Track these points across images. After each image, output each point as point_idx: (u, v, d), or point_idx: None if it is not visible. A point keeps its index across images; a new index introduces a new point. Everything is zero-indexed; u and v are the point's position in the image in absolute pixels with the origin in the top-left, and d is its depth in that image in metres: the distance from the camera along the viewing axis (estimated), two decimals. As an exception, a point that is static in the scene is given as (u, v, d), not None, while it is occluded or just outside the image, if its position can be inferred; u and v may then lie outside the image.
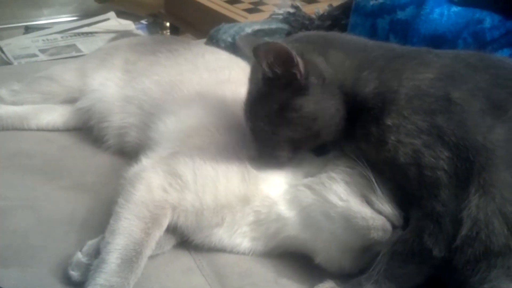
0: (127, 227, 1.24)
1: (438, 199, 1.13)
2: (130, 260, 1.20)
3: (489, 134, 1.12)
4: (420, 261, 1.16)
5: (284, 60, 1.19)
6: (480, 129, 1.13)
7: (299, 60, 1.19)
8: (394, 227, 1.19)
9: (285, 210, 1.29)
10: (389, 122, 1.17)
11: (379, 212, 1.20)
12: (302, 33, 1.39)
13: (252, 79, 1.31)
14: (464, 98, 1.15)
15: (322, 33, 1.40)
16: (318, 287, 1.21)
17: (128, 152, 1.64)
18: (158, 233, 1.27)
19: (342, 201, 1.22)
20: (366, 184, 1.22)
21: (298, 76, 1.20)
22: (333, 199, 1.22)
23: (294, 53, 1.18)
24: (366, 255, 1.21)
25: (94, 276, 1.17)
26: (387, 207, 1.20)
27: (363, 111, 1.21)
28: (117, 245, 1.21)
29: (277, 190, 1.31)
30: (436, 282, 1.20)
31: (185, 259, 1.35)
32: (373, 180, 1.21)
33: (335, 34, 1.38)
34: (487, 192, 1.10)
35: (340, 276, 1.23)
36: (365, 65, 1.24)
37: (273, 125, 1.25)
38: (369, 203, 1.21)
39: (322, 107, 1.22)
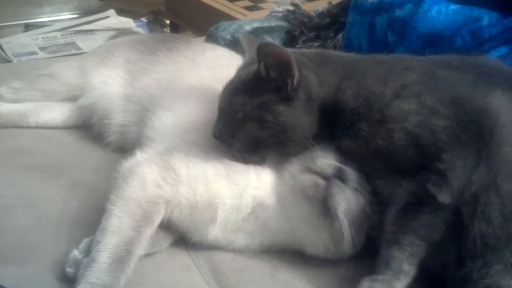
0: (118, 226, 1.24)
1: (441, 161, 1.15)
2: (121, 260, 1.20)
3: (487, 97, 1.15)
4: (430, 211, 1.17)
5: (283, 66, 1.22)
6: (476, 96, 1.16)
7: (296, 72, 1.22)
8: (327, 178, 1.22)
9: (268, 201, 1.31)
10: (377, 116, 1.20)
11: (314, 172, 1.24)
12: (304, 50, 1.44)
13: (243, 69, 1.34)
14: (450, 75, 1.21)
15: (321, 52, 1.43)
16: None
17: (128, 149, 1.63)
18: (150, 230, 1.28)
19: (292, 177, 1.28)
20: (311, 155, 1.27)
21: (289, 86, 1.23)
22: (287, 179, 1.29)
23: (295, 64, 1.21)
24: (336, 222, 1.22)
25: (85, 274, 1.18)
26: (319, 164, 1.24)
27: (345, 114, 1.24)
28: (108, 244, 1.21)
29: (264, 183, 1.33)
30: (436, 281, 1.21)
31: (183, 257, 1.36)
32: (316, 148, 1.26)
33: (330, 53, 1.43)
34: (491, 165, 1.13)
35: (335, 261, 1.27)
36: (346, 76, 1.27)
37: (244, 117, 1.27)
38: (309, 169, 1.25)
39: (298, 121, 1.26)
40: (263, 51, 1.23)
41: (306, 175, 1.25)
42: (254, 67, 1.28)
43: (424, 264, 1.19)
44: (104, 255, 1.20)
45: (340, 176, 1.22)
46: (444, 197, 1.14)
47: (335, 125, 1.26)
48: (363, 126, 1.22)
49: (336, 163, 1.24)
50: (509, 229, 1.12)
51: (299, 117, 1.25)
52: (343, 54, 1.45)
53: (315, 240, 1.29)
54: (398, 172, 1.21)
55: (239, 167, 1.32)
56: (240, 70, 1.37)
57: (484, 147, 1.14)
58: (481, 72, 1.24)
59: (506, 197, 1.13)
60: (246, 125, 1.28)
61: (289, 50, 1.27)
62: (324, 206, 1.22)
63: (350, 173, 1.23)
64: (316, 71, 1.28)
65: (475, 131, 1.14)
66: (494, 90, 1.17)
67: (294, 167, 1.30)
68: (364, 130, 1.21)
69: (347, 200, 1.21)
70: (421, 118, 1.17)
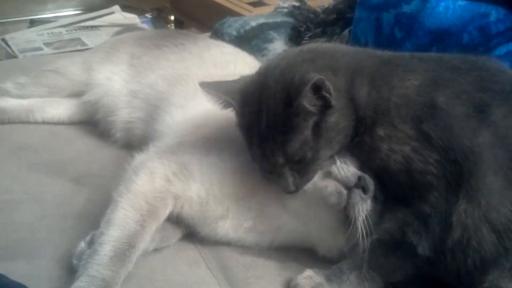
0: (122, 218, 1.24)
1: (427, 201, 1.15)
2: (123, 254, 1.20)
3: (475, 138, 1.14)
4: (403, 256, 1.18)
5: (319, 90, 1.16)
6: (466, 133, 1.14)
7: (327, 84, 1.15)
8: (348, 187, 1.21)
9: (282, 204, 1.30)
10: (381, 132, 1.19)
11: (336, 179, 1.22)
12: (291, 52, 1.36)
13: (258, 120, 1.21)
14: (448, 102, 1.17)
15: (310, 48, 1.37)
16: (297, 279, 1.22)
17: (135, 146, 1.64)
18: (155, 225, 1.27)
19: (311, 183, 1.25)
20: (331, 161, 1.25)
21: (330, 99, 1.17)
22: (307, 185, 1.25)
23: (327, 82, 1.15)
24: (351, 229, 1.21)
25: (86, 266, 1.17)
26: (341, 173, 1.22)
27: (356, 121, 1.22)
28: (111, 237, 1.21)
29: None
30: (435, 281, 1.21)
31: (191, 252, 1.36)
32: (335, 155, 1.24)
33: (321, 47, 1.37)
34: (473, 198, 1.12)
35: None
36: (357, 70, 1.24)
37: (311, 150, 1.20)
38: (329, 175, 1.24)
39: (348, 114, 1.21)
40: (303, 96, 1.14)
41: (328, 182, 1.23)
42: (275, 110, 1.18)
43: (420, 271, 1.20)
44: (106, 248, 1.19)
45: (361, 185, 1.21)
46: (423, 249, 1.15)
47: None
48: (367, 140, 1.21)
49: (358, 172, 1.22)
50: (504, 243, 1.12)
51: (344, 110, 1.20)
52: (342, 46, 1.41)
53: (330, 243, 1.28)
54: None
55: (251, 166, 1.30)
56: (254, 121, 1.22)
57: (462, 188, 1.13)
58: (480, 76, 1.23)
59: (495, 216, 1.12)
60: (317, 158, 1.21)
61: (284, 56, 1.25)
62: (342, 213, 1.22)
63: (370, 182, 1.22)
64: (329, 68, 1.22)
65: (458, 172, 1.13)
66: (481, 130, 1.14)
67: None
68: (367, 144, 1.21)
69: (366, 210, 1.21)
70: (418, 145, 1.16)
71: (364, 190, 1.21)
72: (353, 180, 1.21)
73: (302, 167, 1.21)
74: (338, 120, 1.19)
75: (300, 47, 1.39)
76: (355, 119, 1.21)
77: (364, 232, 1.18)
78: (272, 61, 1.33)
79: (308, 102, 1.15)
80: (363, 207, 1.20)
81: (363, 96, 1.21)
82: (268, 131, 1.19)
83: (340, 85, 1.20)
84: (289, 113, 1.17)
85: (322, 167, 1.24)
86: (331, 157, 1.24)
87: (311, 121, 1.17)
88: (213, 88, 1.29)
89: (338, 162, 1.23)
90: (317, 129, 1.18)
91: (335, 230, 1.25)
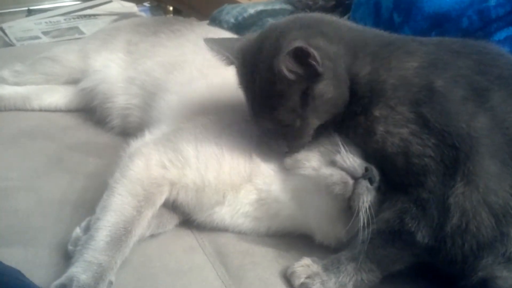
0: (119, 204, 1.24)
1: (425, 186, 1.14)
2: (119, 239, 1.20)
3: (472, 122, 1.13)
4: (402, 246, 1.17)
5: (302, 58, 1.15)
6: (463, 117, 1.13)
7: (314, 51, 1.14)
8: (355, 178, 1.20)
9: (280, 193, 1.30)
10: (377, 113, 1.18)
11: (341, 168, 1.21)
12: (294, 17, 1.35)
13: (253, 82, 1.23)
14: (447, 86, 1.16)
15: (313, 16, 1.36)
16: (294, 266, 1.22)
17: (131, 133, 1.63)
18: (151, 211, 1.27)
19: (314, 170, 1.24)
20: (335, 149, 1.24)
21: (316, 66, 1.16)
22: (308, 172, 1.25)
23: (309, 47, 1.13)
24: (353, 220, 1.20)
25: (82, 252, 1.17)
26: (348, 162, 1.21)
27: (352, 101, 1.21)
28: (107, 222, 1.21)
29: (275, 170, 1.31)
30: (429, 269, 1.21)
31: (188, 238, 1.35)
32: (339, 142, 1.23)
33: (325, 17, 1.35)
34: (471, 181, 1.11)
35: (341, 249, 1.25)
36: (361, 48, 1.23)
37: (300, 117, 1.21)
38: (334, 163, 1.23)
39: (338, 86, 1.20)
40: (280, 64, 1.15)
41: (333, 171, 1.22)
42: (268, 74, 1.19)
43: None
44: (102, 233, 1.19)
45: (368, 176, 1.20)
46: (422, 236, 1.14)
47: (347, 106, 1.22)
48: (362, 121, 1.20)
49: (364, 162, 1.21)
50: (502, 227, 1.11)
51: (336, 80, 1.19)
52: (339, 19, 1.39)
53: (329, 231, 1.27)
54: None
55: (252, 152, 1.31)
56: (246, 86, 1.27)
57: (459, 171, 1.12)
58: (479, 60, 1.22)
59: (494, 199, 1.11)
60: (308, 123, 1.22)
61: (288, 28, 1.23)
62: (346, 202, 1.21)
63: (377, 173, 1.21)
64: (324, 35, 1.21)
65: (455, 155, 1.12)
66: (479, 114, 1.14)
67: (315, 160, 1.26)
68: (362, 126, 1.20)
69: (370, 201, 1.20)
70: (417, 128, 1.15)
71: (371, 181, 1.20)
72: (360, 170, 1.20)
73: (293, 132, 1.22)
74: (326, 89, 1.18)
75: (310, 14, 1.39)
76: (350, 95, 1.20)
77: (365, 222, 1.17)
78: (276, 23, 1.33)
79: (287, 69, 1.15)
80: (367, 198, 1.19)
81: (364, 73, 1.20)
82: (259, 95, 1.22)
83: (336, 55, 1.20)
84: (274, 80, 1.18)
85: (312, 134, 1.25)
86: (332, 139, 1.25)
87: (296, 88, 1.17)
88: (216, 44, 1.31)
89: (342, 151, 1.22)
90: (305, 96, 1.18)
91: (334, 218, 1.25)
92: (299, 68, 1.16)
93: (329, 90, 1.18)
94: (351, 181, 1.20)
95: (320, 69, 1.16)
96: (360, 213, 1.18)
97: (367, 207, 1.18)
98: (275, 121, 1.22)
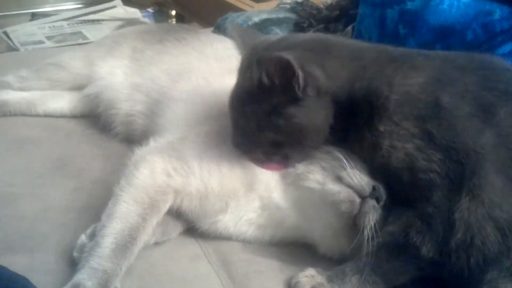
0: (124, 212, 1.24)
1: (430, 201, 1.14)
2: (124, 246, 1.20)
3: (478, 138, 1.14)
4: (407, 259, 1.17)
5: (285, 72, 1.18)
6: (469, 133, 1.14)
7: (300, 73, 1.17)
8: (362, 196, 1.20)
9: (281, 201, 1.30)
10: (381, 128, 1.19)
11: (348, 186, 1.21)
12: (300, 37, 1.38)
13: (244, 74, 1.28)
14: (453, 102, 1.17)
15: (321, 38, 1.38)
16: (298, 276, 1.22)
17: (135, 140, 1.64)
18: (156, 219, 1.27)
19: (319, 184, 1.25)
20: (340, 165, 1.24)
21: (296, 88, 1.19)
22: (313, 185, 1.26)
23: (297, 67, 1.16)
24: (358, 235, 1.21)
25: (88, 259, 1.17)
26: (355, 180, 1.21)
27: (356, 116, 1.22)
28: (113, 229, 1.21)
29: (276, 179, 1.32)
30: (433, 282, 1.21)
31: (192, 247, 1.36)
32: (343, 158, 1.24)
33: (333, 40, 1.37)
34: (476, 196, 1.11)
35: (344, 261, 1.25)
36: (360, 73, 1.24)
37: (258, 125, 1.24)
38: (340, 180, 1.23)
39: (312, 119, 1.23)
40: (261, 63, 1.19)
41: (341, 188, 1.22)
42: (254, 73, 1.23)
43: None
44: (108, 240, 1.20)
45: (375, 196, 1.20)
46: (427, 250, 1.14)
47: (350, 122, 1.24)
48: (367, 135, 1.21)
49: (372, 181, 1.21)
50: (508, 242, 1.11)
51: (312, 115, 1.22)
52: (347, 41, 1.41)
53: (332, 244, 1.28)
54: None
55: (251, 163, 1.31)
56: (242, 76, 1.31)
57: (464, 186, 1.12)
58: (485, 75, 1.23)
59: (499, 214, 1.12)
60: (262, 132, 1.25)
61: (287, 48, 1.25)
62: (351, 220, 1.21)
63: (384, 192, 1.21)
64: (321, 63, 1.24)
65: (461, 171, 1.13)
66: (485, 130, 1.14)
67: (319, 174, 1.27)
68: (367, 140, 1.21)
69: (375, 219, 1.20)
70: (422, 143, 1.16)
71: (378, 200, 1.20)
72: (367, 189, 1.20)
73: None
74: (298, 114, 1.21)
75: (309, 34, 1.40)
76: (351, 111, 1.21)
77: (369, 237, 1.17)
78: (293, 36, 1.38)
79: (266, 71, 1.19)
80: (373, 216, 1.20)
81: (360, 93, 1.21)
82: (240, 91, 1.28)
83: (327, 89, 1.22)
84: (251, 80, 1.24)
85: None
86: (333, 154, 1.26)
87: (267, 98, 1.21)
88: (238, 32, 1.40)
89: (348, 168, 1.22)
90: (275, 112, 1.22)
91: (338, 233, 1.25)
92: (277, 78, 1.18)
93: (300, 117, 1.21)
94: (358, 200, 1.20)
95: (299, 93, 1.18)
96: (365, 231, 1.18)
97: (372, 225, 1.19)
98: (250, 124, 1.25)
